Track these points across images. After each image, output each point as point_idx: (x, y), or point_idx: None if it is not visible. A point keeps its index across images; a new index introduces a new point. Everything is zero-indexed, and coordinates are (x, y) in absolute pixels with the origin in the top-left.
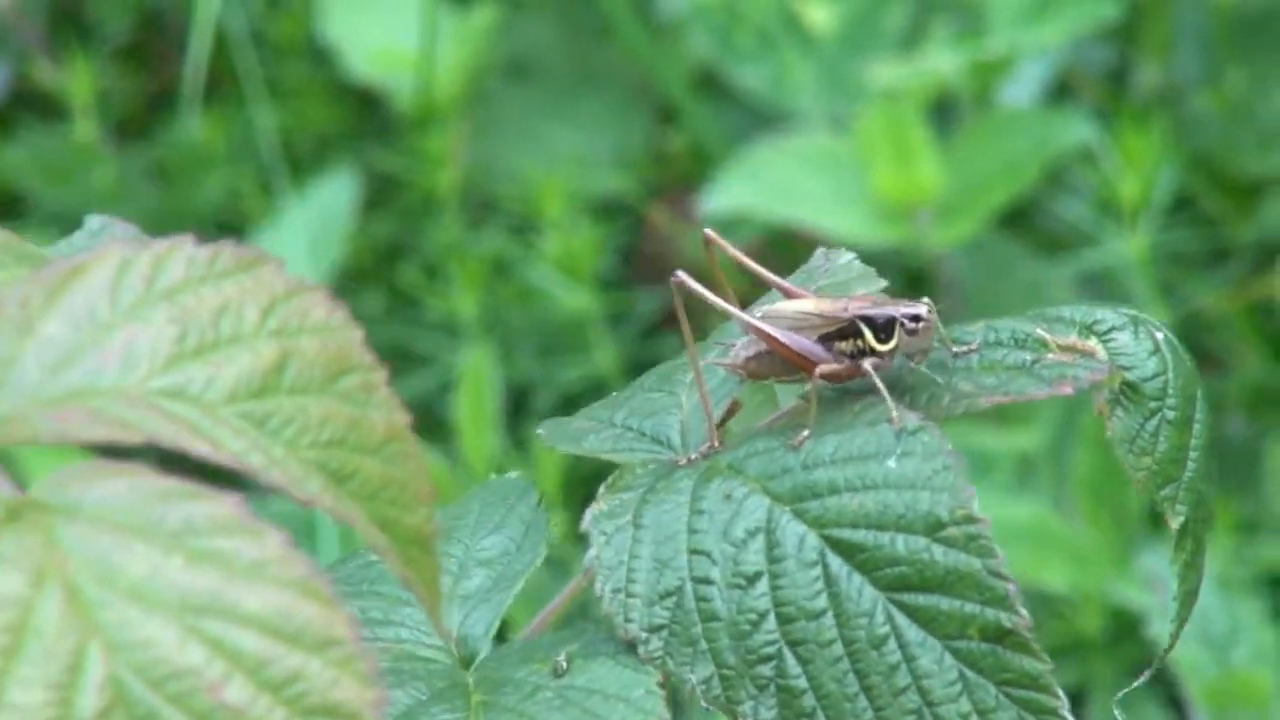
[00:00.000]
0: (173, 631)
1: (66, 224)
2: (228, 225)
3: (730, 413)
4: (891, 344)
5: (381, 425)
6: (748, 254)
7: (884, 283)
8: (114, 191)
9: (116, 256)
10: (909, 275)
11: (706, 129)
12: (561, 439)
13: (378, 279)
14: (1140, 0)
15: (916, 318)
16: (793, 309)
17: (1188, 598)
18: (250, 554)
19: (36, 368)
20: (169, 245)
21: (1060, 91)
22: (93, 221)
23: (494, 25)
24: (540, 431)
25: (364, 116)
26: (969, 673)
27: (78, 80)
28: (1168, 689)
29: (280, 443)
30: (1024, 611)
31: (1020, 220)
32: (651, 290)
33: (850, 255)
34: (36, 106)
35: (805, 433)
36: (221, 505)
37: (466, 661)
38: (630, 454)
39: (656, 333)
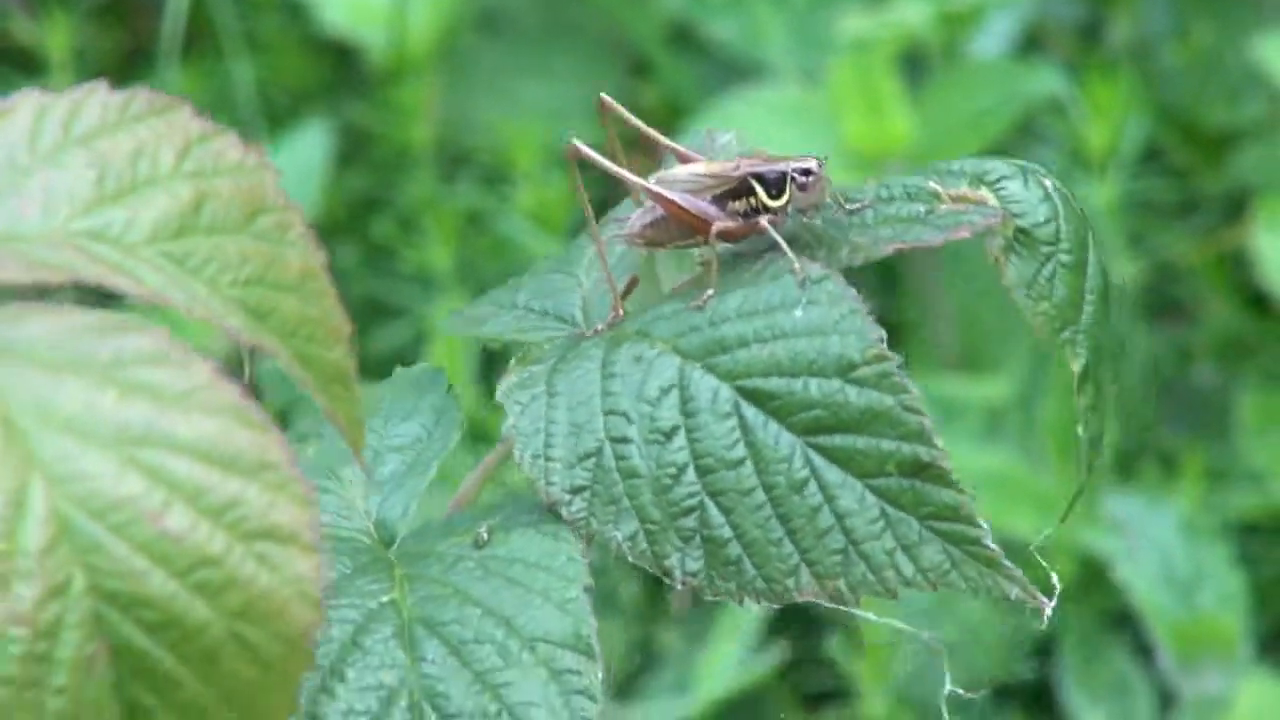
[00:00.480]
0: (111, 463)
1: None
2: None
3: (629, 287)
4: (784, 199)
5: (297, 264)
6: None
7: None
8: None
9: (33, 103)
10: None
11: (678, 82)
12: (464, 325)
13: (352, 232)
14: None
15: (808, 171)
16: (685, 172)
17: (1092, 443)
18: (180, 383)
19: None
20: (84, 91)
21: (1029, 44)
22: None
23: None
24: (446, 322)
25: (339, 70)
26: (890, 509)
27: (55, 36)
28: (1134, 634)
29: (201, 280)
30: (940, 444)
31: None
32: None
33: (730, 135)
34: (14, 61)
35: (710, 292)
36: (149, 337)
37: (387, 543)
38: (535, 333)
39: None
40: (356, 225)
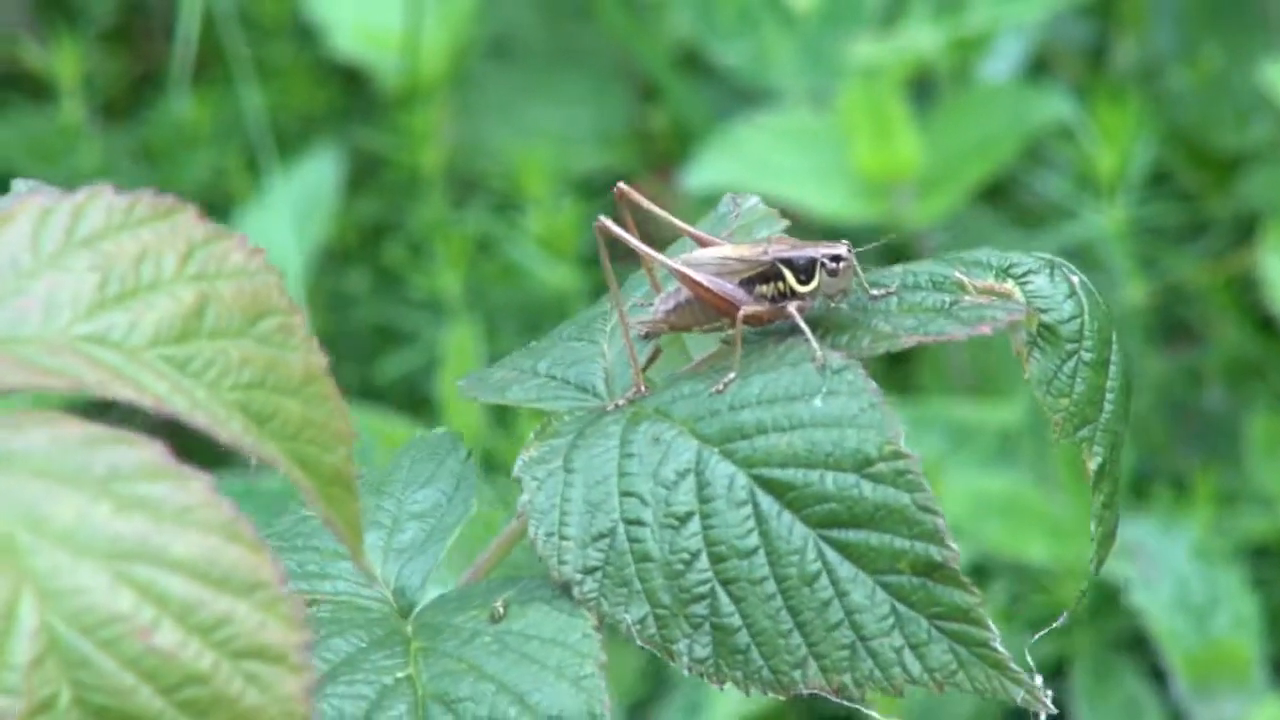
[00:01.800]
0: (103, 578)
1: None
2: (213, 204)
3: (651, 359)
4: (812, 285)
5: (300, 367)
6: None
7: (786, 222)
8: (99, 171)
9: (37, 206)
10: (888, 251)
11: (687, 106)
12: (484, 390)
13: (363, 257)
14: None
15: (837, 258)
16: (713, 255)
17: (1105, 539)
18: (176, 499)
19: None
20: (88, 194)
21: (1038, 67)
22: (19, 185)
23: (477, 4)
24: (461, 384)
25: (349, 95)
26: (900, 607)
27: (64, 61)
28: (1149, 658)
29: (202, 385)
30: (953, 545)
31: (999, 195)
32: (631, 266)
33: (755, 199)
34: (23, 87)
35: (731, 375)
36: (147, 451)
37: (404, 612)
38: (556, 402)
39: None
40: (367, 251)
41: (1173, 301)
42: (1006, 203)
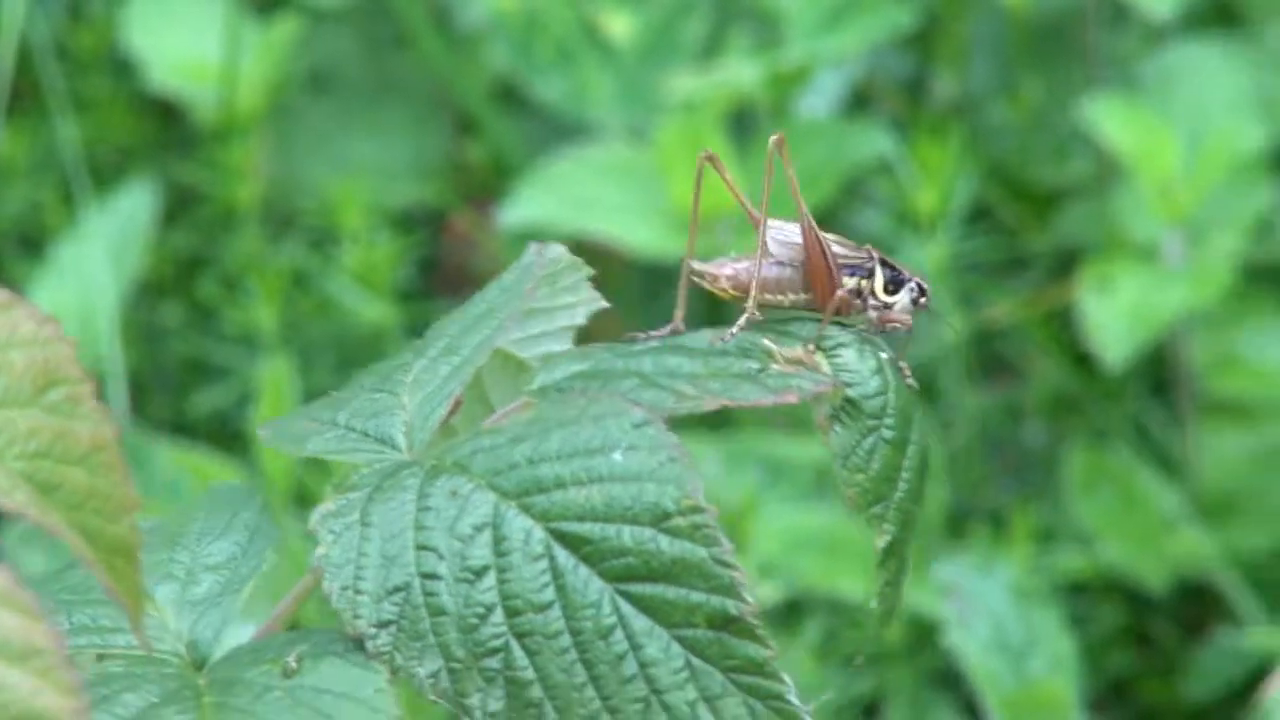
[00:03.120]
0: None
1: None
2: (28, 238)
3: (454, 409)
4: (894, 299)
5: (87, 437)
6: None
7: (591, 270)
8: None
9: None
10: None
11: (506, 140)
12: (285, 440)
13: (177, 291)
14: (936, 10)
15: (925, 291)
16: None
17: (885, 616)
18: None
19: None
20: None
21: (858, 102)
22: None
23: (295, 37)
24: (262, 432)
25: (166, 129)
26: (695, 660)
27: None
28: (965, 699)
29: None
30: (750, 599)
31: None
32: (450, 301)
33: (560, 248)
34: None
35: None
36: None
37: (198, 665)
38: (355, 455)
39: None
40: (181, 284)
41: (991, 336)
42: None
